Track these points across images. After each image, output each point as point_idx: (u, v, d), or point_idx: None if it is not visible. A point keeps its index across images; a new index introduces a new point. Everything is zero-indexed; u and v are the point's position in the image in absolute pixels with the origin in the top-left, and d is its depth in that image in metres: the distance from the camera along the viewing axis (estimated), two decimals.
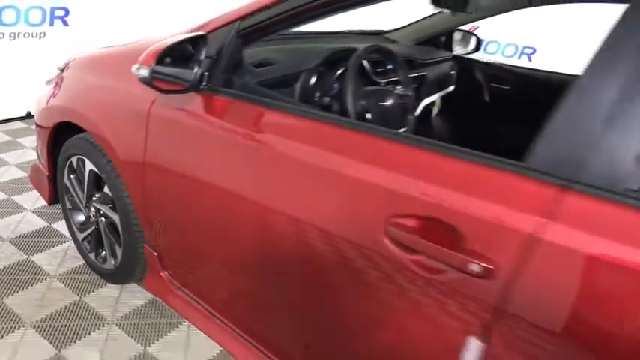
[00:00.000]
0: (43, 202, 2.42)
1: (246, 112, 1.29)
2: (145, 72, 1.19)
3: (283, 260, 1.27)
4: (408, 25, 2.56)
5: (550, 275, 0.81)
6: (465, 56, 2.57)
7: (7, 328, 1.69)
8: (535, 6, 2.08)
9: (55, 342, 1.66)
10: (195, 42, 1.28)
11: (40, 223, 2.35)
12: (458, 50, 2.58)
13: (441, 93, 2.25)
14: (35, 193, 2.39)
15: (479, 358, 0.88)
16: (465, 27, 2.61)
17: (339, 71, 1.59)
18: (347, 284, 1.11)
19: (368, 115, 1.52)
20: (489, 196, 0.88)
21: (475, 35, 2.59)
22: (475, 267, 0.86)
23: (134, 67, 1.21)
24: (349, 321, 1.15)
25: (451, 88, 2.36)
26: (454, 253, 0.88)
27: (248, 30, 1.32)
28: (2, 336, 1.66)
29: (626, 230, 0.76)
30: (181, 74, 1.27)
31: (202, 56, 1.28)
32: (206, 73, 1.32)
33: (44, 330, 1.71)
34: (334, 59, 1.56)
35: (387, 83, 1.79)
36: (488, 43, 4.38)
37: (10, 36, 3.27)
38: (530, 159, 0.85)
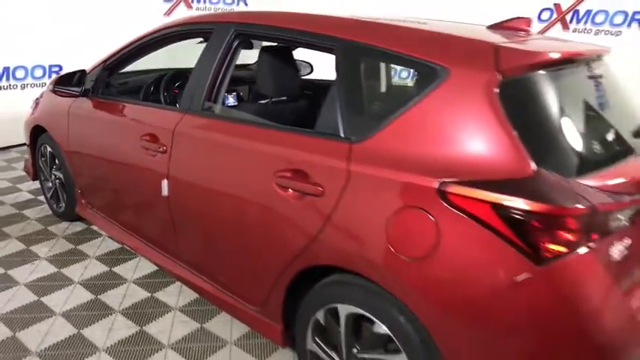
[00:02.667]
0: (34, 186, 3.82)
1: (111, 106, 2.65)
2: (50, 87, 2.58)
3: (134, 182, 2.56)
4: None
5: (181, 149, 2.11)
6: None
7: None
8: None
9: (26, 243, 3.01)
10: (80, 74, 2.67)
11: (30, 196, 3.76)
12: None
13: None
14: (32, 182, 3.80)
15: (167, 187, 2.16)
16: None
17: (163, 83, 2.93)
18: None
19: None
20: (159, 121, 2.19)
21: (309, 63, 3.90)
22: (161, 148, 2.16)
23: (47, 87, 2.61)
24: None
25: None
26: (152, 144, 2.19)
27: (109, 66, 2.71)
28: None
29: (198, 126, 2.06)
30: (74, 90, 2.66)
31: (84, 80, 2.67)
32: (90, 88, 2.70)
33: (23, 240, 3.06)
34: (162, 77, 2.93)
35: None
36: None
37: (21, 87, 4.83)
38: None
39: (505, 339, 1.32)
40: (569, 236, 1.25)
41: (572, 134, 1.40)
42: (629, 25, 4.52)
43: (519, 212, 1.25)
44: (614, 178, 1.41)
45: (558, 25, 5.03)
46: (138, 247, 2.64)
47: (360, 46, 1.64)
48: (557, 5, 5.01)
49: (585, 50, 1.64)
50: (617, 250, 1.37)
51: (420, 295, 1.40)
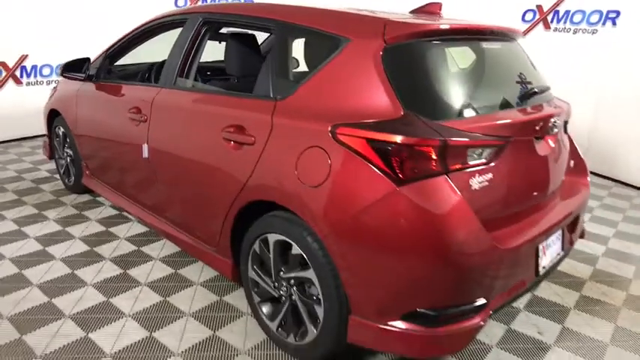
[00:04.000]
0: (53, 167, 4.34)
1: (109, 87, 3.11)
2: (59, 72, 3.06)
3: (124, 149, 3.00)
4: None
5: (157, 116, 2.52)
6: None
7: (12, 205, 3.54)
8: None
9: (39, 209, 3.49)
10: (85, 61, 3.15)
11: (48, 175, 4.28)
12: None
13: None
14: (51, 164, 4.32)
15: (147, 150, 2.58)
16: None
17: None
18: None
19: None
20: (136, 96, 2.61)
21: (296, 59, 4.28)
22: (143, 118, 2.59)
23: (59, 71, 3.08)
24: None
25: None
26: (136, 114, 2.62)
27: (109, 55, 3.17)
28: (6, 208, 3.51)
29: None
30: (78, 75, 3.13)
31: (88, 66, 3.14)
32: (94, 73, 3.17)
33: (37, 206, 3.54)
34: (152, 67, 3.37)
35: None
36: None
37: (46, 83, 5.41)
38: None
39: (376, 250, 1.65)
40: (421, 163, 1.58)
41: (441, 88, 1.74)
42: (603, 23, 4.75)
43: (383, 143, 1.60)
44: (481, 122, 1.73)
45: (541, 26, 5.30)
46: (129, 207, 3.06)
47: (287, 24, 2.03)
48: (539, 7, 5.28)
49: (462, 26, 1.93)
50: (477, 181, 1.69)
51: (318, 216, 1.74)
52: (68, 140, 3.64)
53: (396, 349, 1.74)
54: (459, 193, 1.62)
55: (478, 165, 1.69)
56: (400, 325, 1.67)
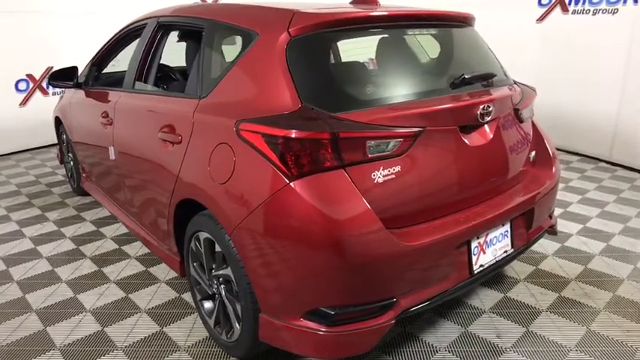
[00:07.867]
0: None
1: (92, 94, 3.26)
2: (48, 81, 3.25)
3: (101, 153, 3.13)
4: None
5: (119, 119, 2.62)
6: None
7: (20, 207, 3.80)
8: None
9: (43, 210, 3.72)
10: (73, 69, 3.32)
11: (62, 179, 4.55)
12: None
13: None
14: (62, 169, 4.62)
15: (114, 152, 2.68)
16: None
17: None
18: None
19: None
20: (106, 101, 2.72)
21: None
22: (109, 121, 2.69)
23: (47, 81, 3.27)
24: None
25: None
26: (104, 119, 2.73)
27: (95, 63, 3.32)
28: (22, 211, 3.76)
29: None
30: (67, 83, 3.30)
31: (76, 75, 3.30)
32: (82, 81, 3.33)
33: (42, 208, 3.78)
34: None
35: None
36: None
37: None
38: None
39: (272, 247, 1.60)
40: (313, 157, 1.52)
41: (345, 79, 1.68)
42: (624, 1, 4.35)
43: (275, 138, 1.56)
44: (388, 113, 1.64)
45: (558, 9, 4.95)
46: (111, 208, 3.19)
47: (212, 22, 2.04)
48: None
49: (379, 14, 1.84)
50: (383, 174, 1.60)
51: (225, 213, 1.73)
52: (69, 145, 3.86)
53: (303, 350, 1.68)
54: (355, 187, 1.55)
55: (383, 157, 1.60)
56: (303, 323, 1.62)
